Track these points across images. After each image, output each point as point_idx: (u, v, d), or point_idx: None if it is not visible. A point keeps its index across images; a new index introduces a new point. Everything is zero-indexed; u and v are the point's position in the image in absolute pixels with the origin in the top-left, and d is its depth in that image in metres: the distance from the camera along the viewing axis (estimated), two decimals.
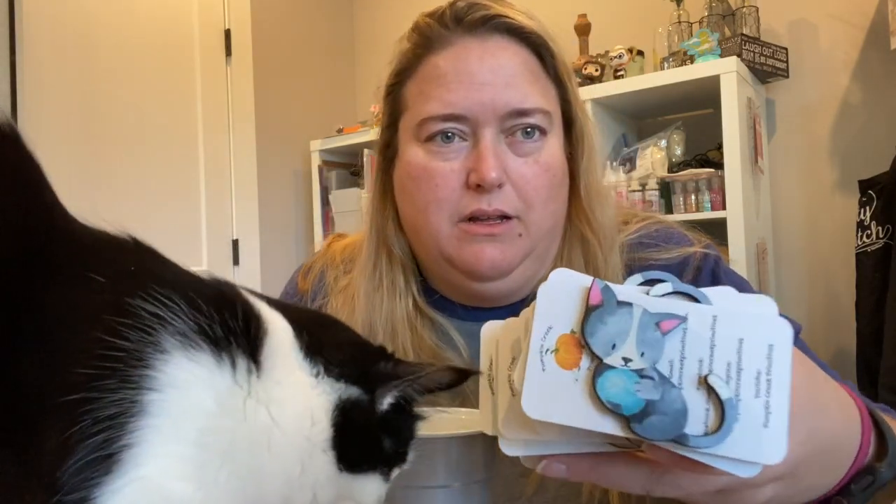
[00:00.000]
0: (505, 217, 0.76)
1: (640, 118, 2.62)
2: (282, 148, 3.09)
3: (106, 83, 2.55)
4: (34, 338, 0.33)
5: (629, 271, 0.79)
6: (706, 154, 2.34)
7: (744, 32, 2.27)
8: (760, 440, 0.35)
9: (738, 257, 2.09)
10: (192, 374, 0.35)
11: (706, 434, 0.35)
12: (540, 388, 0.37)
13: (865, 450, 0.49)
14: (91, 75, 2.52)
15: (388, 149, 0.83)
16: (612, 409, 0.36)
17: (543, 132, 0.78)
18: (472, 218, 0.76)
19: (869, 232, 2.03)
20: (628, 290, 0.39)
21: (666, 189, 2.31)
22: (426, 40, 0.79)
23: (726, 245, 2.11)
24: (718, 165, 2.21)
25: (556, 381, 0.37)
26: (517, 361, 0.41)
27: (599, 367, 0.37)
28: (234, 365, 0.37)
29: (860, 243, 2.06)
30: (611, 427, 0.36)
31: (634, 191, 2.31)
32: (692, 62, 2.25)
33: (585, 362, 0.37)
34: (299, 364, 0.41)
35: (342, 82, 3.45)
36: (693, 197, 2.25)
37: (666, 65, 2.35)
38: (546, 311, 0.39)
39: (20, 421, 0.32)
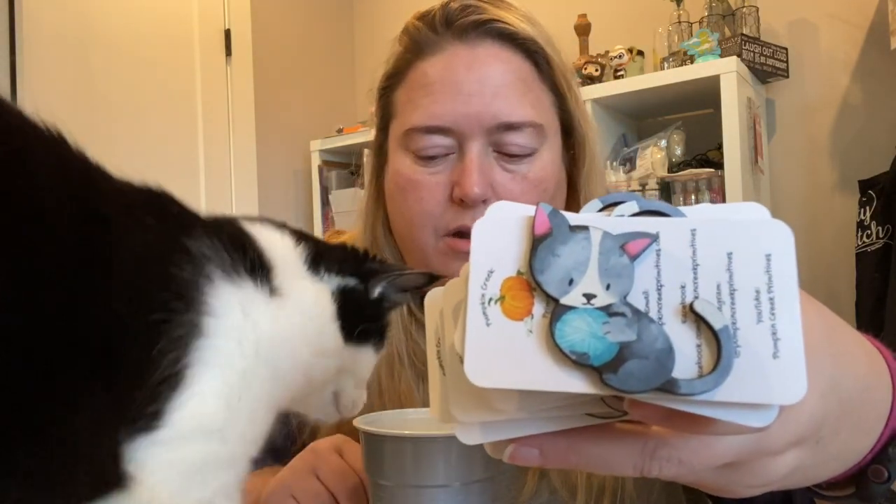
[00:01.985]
0: None
1: (640, 118, 2.62)
2: (282, 148, 3.09)
3: (106, 83, 2.55)
4: (107, 277, 0.37)
5: None
6: (706, 154, 2.34)
7: (744, 32, 2.27)
8: (770, 375, 0.27)
9: None
10: (233, 299, 0.42)
11: (700, 376, 0.27)
12: (486, 348, 0.29)
13: None
14: (91, 75, 2.52)
15: (381, 152, 0.82)
16: (577, 361, 0.28)
17: (533, 150, 0.75)
18: (458, 233, 0.74)
19: (869, 232, 2.03)
20: (584, 215, 0.31)
21: (666, 189, 2.31)
22: (415, 45, 0.77)
23: None
24: (718, 165, 2.21)
25: (505, 336, 0.29)
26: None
27: (556, 311, 0.29)
28: (259, 288, 0.44)
29: (860, 243, 2.06)
30: (579, 384, 0.28)
31: (634, 191, 2.31)
32: (692, 62, 2.25)
33: (539, 308, 0.29)
34: (305, 271, 0.50)
35: (342, 82, 3.44)
36: (693, 197, 2.25)
37: (666, 65, 2.35)
38: (484, 252, 0.30)
39: (106, 350, 0.36)
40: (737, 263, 0.29)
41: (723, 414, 0.27)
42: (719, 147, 2.19)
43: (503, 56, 0.74)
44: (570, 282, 0.29)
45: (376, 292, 0.54)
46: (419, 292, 0.51)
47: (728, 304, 0.28)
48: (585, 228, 0.30)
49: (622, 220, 0.30)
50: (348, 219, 2.88)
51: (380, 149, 0.82)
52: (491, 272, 0.30)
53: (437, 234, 0.76)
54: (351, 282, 0.52)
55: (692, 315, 0.28)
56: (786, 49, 2.34)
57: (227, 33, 2.98)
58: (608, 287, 0.29)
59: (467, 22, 0.74)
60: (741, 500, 0.69)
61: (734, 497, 0.35)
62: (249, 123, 2.98)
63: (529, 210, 0.31)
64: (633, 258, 0.29)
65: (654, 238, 0.29)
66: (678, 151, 2.36)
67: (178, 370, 0.38)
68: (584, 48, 2.57)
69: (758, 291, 0.28)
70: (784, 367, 0.27)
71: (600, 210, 0.32)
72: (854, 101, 2.30)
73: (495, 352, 0.29)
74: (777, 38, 2.38)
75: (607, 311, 0.29)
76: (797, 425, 0.32)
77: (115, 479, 0.36)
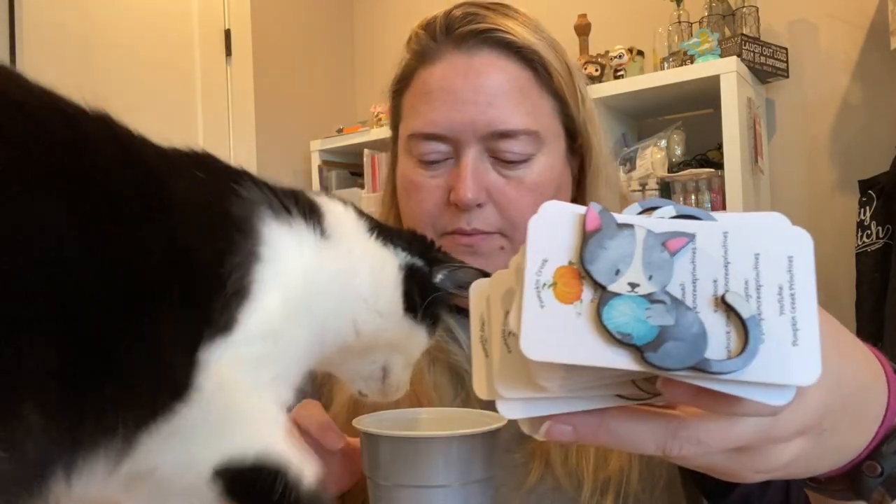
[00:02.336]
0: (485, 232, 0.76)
1: (640, 118, 2.62)
2: (282, 148, 3.09)
3: (106, 83, 2.55)
4: (174, 223, 0.43)
5: None
6: (706, 154, 2.34)
7: (744, 32, 2.27)
8: (790, 360, 0.31)
9: None
10: (285, 234, 0.49)
11: (729, 358, 0.31)
12: (540, 326, 0.33)
13: (894, 407, 0.44)
14: (91, 75, 2.52)
15: (394, 150, 0.86)
16: (621, 341, 0.32)
17: (529, 156, 0.76)
18: (456, 233, 0.77)
19: (869, 232, 2.03)
20: (628, 216, 0.35)
21: (666, 189, 2.31)
22: (418, 53, 0.79)
23: None
24: (718, 165, 2.21)
25: (557, 317, 0.33)
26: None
27: (604, 296, 0.33)
28: (310, 229, 0.51)
29: (860, 243, 2.07)
30: (622, 360, 0.32)
31: (634, 191, 2.31)
32: (692, 62, 2.25)
33: (588, 294, 0.33)
34: (366, 235, 0.55)
35: (342, 82, 3.45)
36: (693, 197, 2.25)
37: (666, 65, 2.35)
38: (539, 243, 0.34)
39: (182, 278, 0.42)
40: (763, 263, 0.33)
41: (747, 392, 0.31)
42: (719, 147, 2.19)
43: (500, 64, 0.76)
44: (617, 272, 0.33)
45: (438, 278, 0.58)
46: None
47: (755, 297, 0.32)
48: (631, 226, 0.34)
49: (663, 221, 0.35)
50: None
51: (394, 147, 0.86)
52: (545, 261, 0.34)
53: (437, 234, 0.78)
54: (418, 262, 0.57)
55: (723, 305, 0.32)
56: (786, 49, 2.34)
57: (227, 33, 2.98)
58: (650, 278, 0.33)
59: (465, 31, 0.76)
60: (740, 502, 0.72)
61: (741, 481, 0.39)
62: (249, 123, 2.98)
63: (578, 209, 0.35)
64: (673, 254, 0.33)
65: (692, 238, 0.34)
66: (678, 151, 2.36)
67: (244, 286, 0.44)
68: (584, 48, 2.57)
69: (780, 287, 0.32)
70: (802, 354, 0.31)
71: (639, 213, 0.36)
72: (854, 101, 2.30)
73: (548, 330, 0.33)
74: (777, 38, 2.38)
75: (649, 298, 0.33)
76: (804, 415, 0.35)
77: (190, 383, 0.42)
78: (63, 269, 0.37)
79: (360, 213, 0.58)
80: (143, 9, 2.74)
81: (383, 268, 0.55)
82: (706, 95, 2.21)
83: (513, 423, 0.72)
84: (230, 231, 0.45)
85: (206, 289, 0.43)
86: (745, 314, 0.32)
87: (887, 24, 2.09)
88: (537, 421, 0.36)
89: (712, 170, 2.22)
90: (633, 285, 0.33)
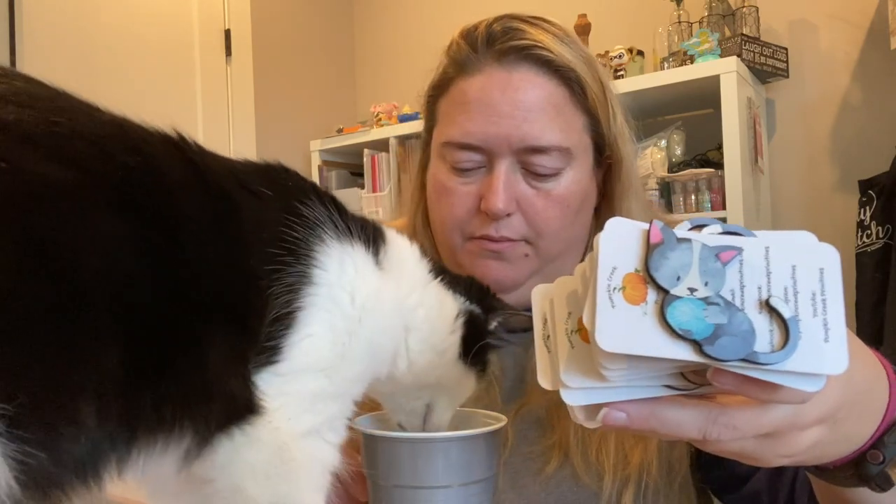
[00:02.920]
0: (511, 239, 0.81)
1: (640, 118, 2.60)
2: (282, 148, 3.09)
3: (106, 83, 2.55)
4: (233, 241, 0.45)
5: None
6: (706, 154, 2.34)
7: (744, 32, 2.27)
8: (823, 354, 0.37)
9: None
10: (345, 257, 0.50)
11: (773, 352, 0.37)
12: (612, 323, 0.39)
13: (895, 403, 0.51)
14: (91, 75, 2.52)
15: (426, 150, 0.88)
16: (683, 336, 0.38)
17: (559, 170, 0.80)
18: (483, 238, 0.81)
19: (869, 232, 2.03)
20: (685, 231, 0.42)
21: (666, 189, 2.31)
22: (457, 62, 0.82)
23: None
24: (718, 165, 2.21)
25: (627, 316, 0.39)
26: (573, 315, 0.44)
27: (667, 298, 0.39)
28: (370, 256, 0.52)
29: (860, 243, 2.06)
30: (684, 353, 0.38)
31: None
32: (692, 62, 2.24)
33: (652, 296, 0.39)
34: (427, 274, 0.58)
35: (342, 82, 3.44)
36: (693, 197, 2.25)
37: (666, 65, 2.35)
38: (608, 253, 0.41)
39: (234, 298, 0.44)
40: (799, 273, 0.40)
41: (787, 380, 0.37)
42: (719, 147, 2.19)
43: (538, 81, 0.78)
44: (678, 278, 0.40)
45: (493, 325, 0.61)
46: (522, 328, 0.61)
47: (793, 301, 0.39)
48: (689, 240, 0.41)
49: (714, 237, 0.41)
50: None
51: (426, 147, 0.88)
52: (615, 268, 0.40)
53: (463, 237, 0.82)
54: (476, 309, 0.60)
55: (767, 308, 0.39)
56: (786, 49, 2.34)
57: (227, 33, 2.98)
58: (706, 284, 0.40)
59: (506, 46, 0.78)
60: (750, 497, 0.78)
61: (766, 465, 0.45)
62: (249, 123, 2.98)
63: (642, 225, 0.42)
64: (724, 264, 0.40)
65: (739, 251, 0.40)
66: (678, 151, 2.36)
67: (290, 311, 0.45)
68: None
69: (814, 294, 0.39)
70: (832, 349, 0.38)
71: (689, 229, 0.43)
72: (854, 101, 2.30)
73: (619, 326, 0.39)
74: (777, 38, 2.38)
75: (706, 300, 0.39)
76: (824, 404, 0.42)
77: (247, 406, 0.44)
78: (126, 282, 0.39)
79: (424, 252, 0.61)
80: (143, 9, 2.74)
81: (442, 309, 0.58)
82: (706, 95, 2.20)
83: (532, 420, 0.77)
84: (284, 252, 0.46)
85: (256, 310, 0.45)
86: (786, 315, 0.38)
87: (887, 24, 2.09)
88: (593, 410, 0.42)
89: (712, 170, 2.22)
90: (691, 290, 0.40)
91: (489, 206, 0.77)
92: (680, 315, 0.38)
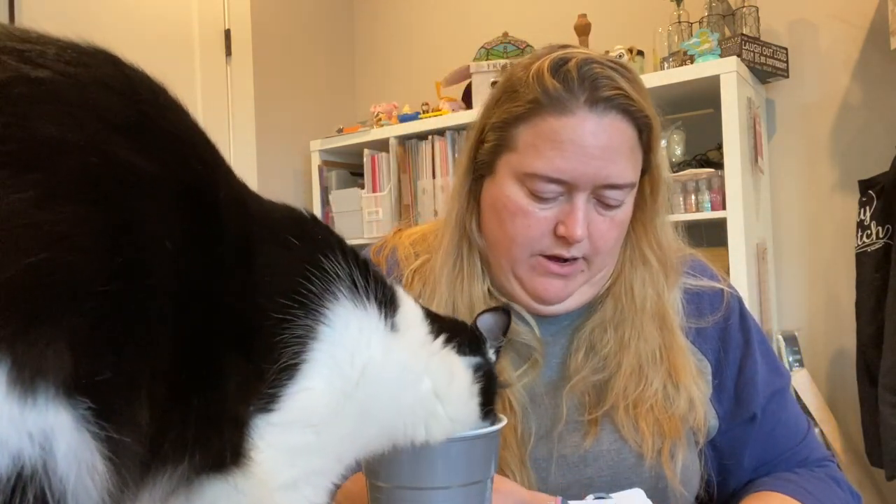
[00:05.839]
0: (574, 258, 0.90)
1: None
2: (282, 148, 3.09)
3: None
4: (255, 284, 0.46)
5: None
6: (706, 154, 2.34)
7: (744, 32, 2.26)
8: None
9: (738, 257, 2.08)
10: (353, 317, 0.50)
11: None
12: None
13: None
14: None
15: (485, 165, 0.93)
16: None
17: (624, 201, 0.90)
18: (551, 257, 0.89)
19: (869, 232, 2.03)
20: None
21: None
22: (548, 98, 0.87)
23: (726, 245, 2.11)
24: (718, 165, 2.21)
25: None
26: None
27: None
28: (382, 319, 0.52)
29: (860, 243, 2.06)
30: None
31: None
32: (692, 62, 2.24)
33: None
34: (427, 335, 0.58)
35: (342, 82, 3.44)
36: (693, 197, 2.25)
37: (666, 65, 2.34)
38: None
39: (250, 337, 0.45)
40: None
41: None
42: (719, 147, 2.19)
43: (622, 127, 0.87)
44: None
45: (492, 356, 0.64)
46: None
47: None
48: None
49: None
50: (348, 219, 2.88)
51: (484, 162, 0.93)
52: None
53: (532, 253, 0.90)
54: (476, 360, 0.61)
55: None
56: (786, 49, 2.34)
57: (227, 33, 2.98)
58: None
59: (601, 96, 0.85)
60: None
61: None
62: (249, 123, 2.98)
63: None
64: None
65: None
66: (678, 151, 2.36)
67: (295, 362, 0.46)
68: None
69: None
70: None
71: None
72: (854, 101, 2.30)
73: None
74: (777, 38, 2.38)
75: None
76: None
77: (236, 453, 0.44)
78: (189, 290, 0.40)
79: (427, 312, 0.60)
80: (143, 9, 2.74)
81: (454, 377, 0.58)
82: (706, 95, 2.20)
83: (575, 395, 0.90)
84: (296, 304, 0.47)
85: (263, 356, 0.45)
86: None
87: (887, 24, 2.09)
88: None
89: (712, 170, 2.22)
90: None
91: (570, 234, 0.86)
92: None
